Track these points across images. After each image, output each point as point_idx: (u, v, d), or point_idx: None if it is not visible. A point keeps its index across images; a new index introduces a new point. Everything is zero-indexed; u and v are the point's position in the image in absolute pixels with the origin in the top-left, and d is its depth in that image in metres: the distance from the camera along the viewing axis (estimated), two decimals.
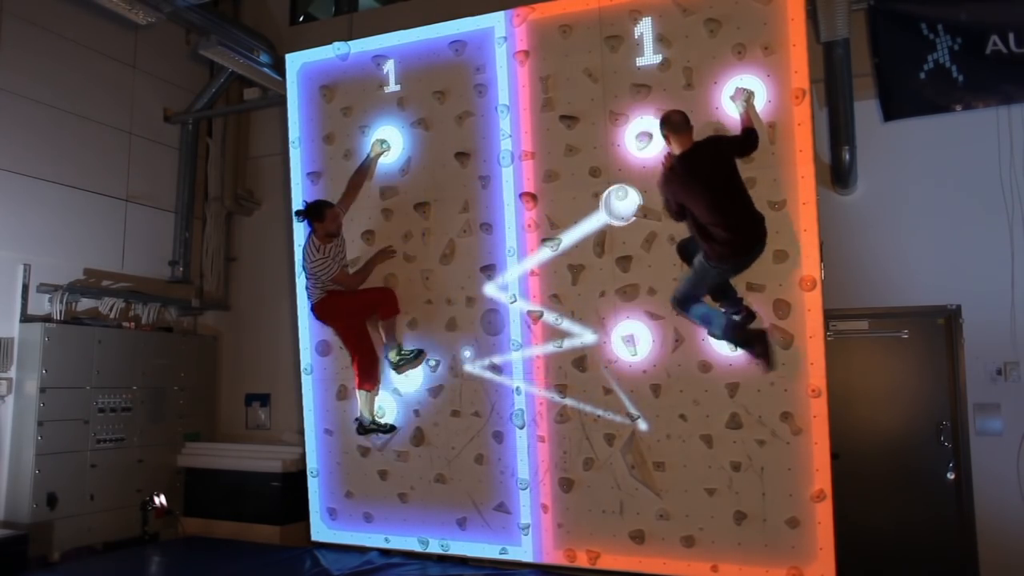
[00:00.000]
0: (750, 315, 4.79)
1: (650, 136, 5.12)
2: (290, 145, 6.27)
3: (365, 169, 5.78)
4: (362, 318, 5.60)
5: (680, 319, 5.04)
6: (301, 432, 6.40)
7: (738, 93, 4.84)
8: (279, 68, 6.88)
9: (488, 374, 5.56)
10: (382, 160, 5.87)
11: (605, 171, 5.27)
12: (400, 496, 5.81)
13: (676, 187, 4.62)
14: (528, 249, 5.46)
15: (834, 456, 4.79)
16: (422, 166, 5.80)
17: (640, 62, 5.20)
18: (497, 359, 5.54)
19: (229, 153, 8.08)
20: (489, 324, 5.57)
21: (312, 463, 6.13)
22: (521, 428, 5.44)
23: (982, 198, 5.66)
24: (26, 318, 6.24)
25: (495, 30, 5.60)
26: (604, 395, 5.22)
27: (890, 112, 5.81)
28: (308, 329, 6.15)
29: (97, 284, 6.93)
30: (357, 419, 5.71)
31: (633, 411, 5.12)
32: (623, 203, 5.20)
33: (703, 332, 4.95)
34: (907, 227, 5.84)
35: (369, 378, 5.58)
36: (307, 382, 6.15)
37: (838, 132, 5.73)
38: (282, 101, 6.58)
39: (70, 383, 6.33)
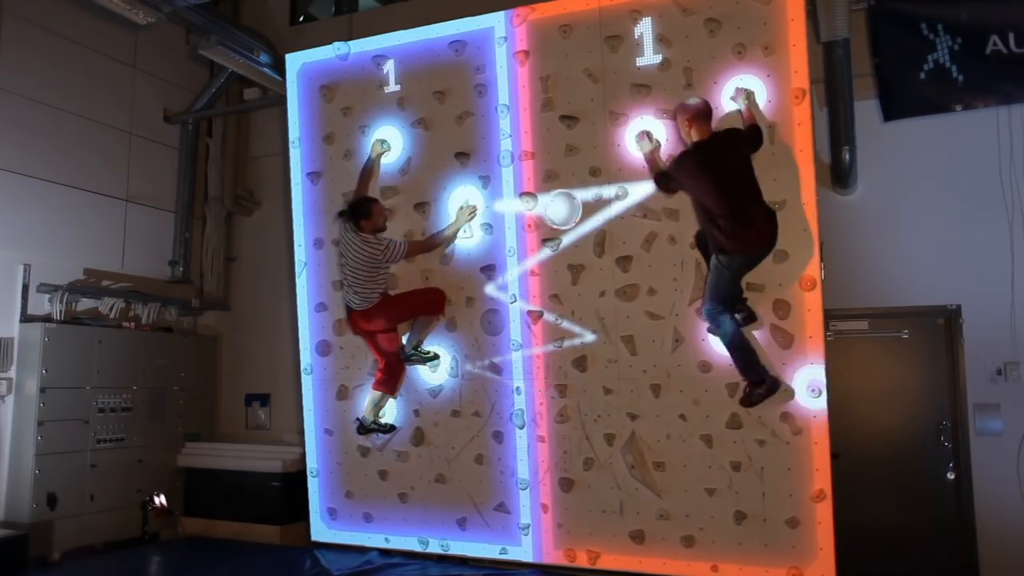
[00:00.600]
0: (750, 315, 4.79)
1: (649, 136, 5.11)
2: (290, 145, 6.27)
3: (368, 171, 5.79)
4: (406, 319, 5.61)
5: (680, 319, 5.04)
6: (301, 432, 6.40)
7: (738, 93, 4.85)
8: (279, 68, 6.88)
9: (488, 374, 5.56)
10: (382, 160, 5.87)
11: (605, 171, 5.27)
12: (400, 496, 5.81)
13: (688, 174, 4.63)
14: (528, 249, 5.46)
15: (834, 456, 4.79)
16: (422, 166, 5.80)
17: (640, 62, 5.20)
18: (497, 359, 5.54)
19: (229, 153, 8.08)
20: (489, 324, 5.57)
21: (312, 463, 6.13)
22: (521, 428, 5.44)
23: (982, 198, 5.65)
24: (26, 318, 6.24)
25: (495, 30, 5.60)
26: (604, 395, 5.22)
27: (890, 112, 5.81)
28: (308, 329, 6.15)
29: (97, 284, 6.93)
30: (358, 419, 5.72)
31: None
32: (565, 208, 5.29)
33: (703, 332, 4.96)
34: (907, 227, 5.84)
35: (393, 384, 5.65)
36: (307, 382, 6.15)
37: (838, 132, 5.73)
38: (282, 101, 6.58)
39: (70, 383, 6.33)
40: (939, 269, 5.73)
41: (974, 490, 5.54)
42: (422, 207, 5.77)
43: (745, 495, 4.86)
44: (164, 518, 6.80)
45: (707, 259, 4.87)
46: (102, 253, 7.04)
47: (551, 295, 5.38)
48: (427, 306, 5.60)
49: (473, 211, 5.57)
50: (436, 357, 5.64)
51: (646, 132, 5.03)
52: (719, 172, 4.52)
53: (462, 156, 5.67)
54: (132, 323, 7.06)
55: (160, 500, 6.72)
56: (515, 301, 5.48)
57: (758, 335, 4.83)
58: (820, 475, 4.70)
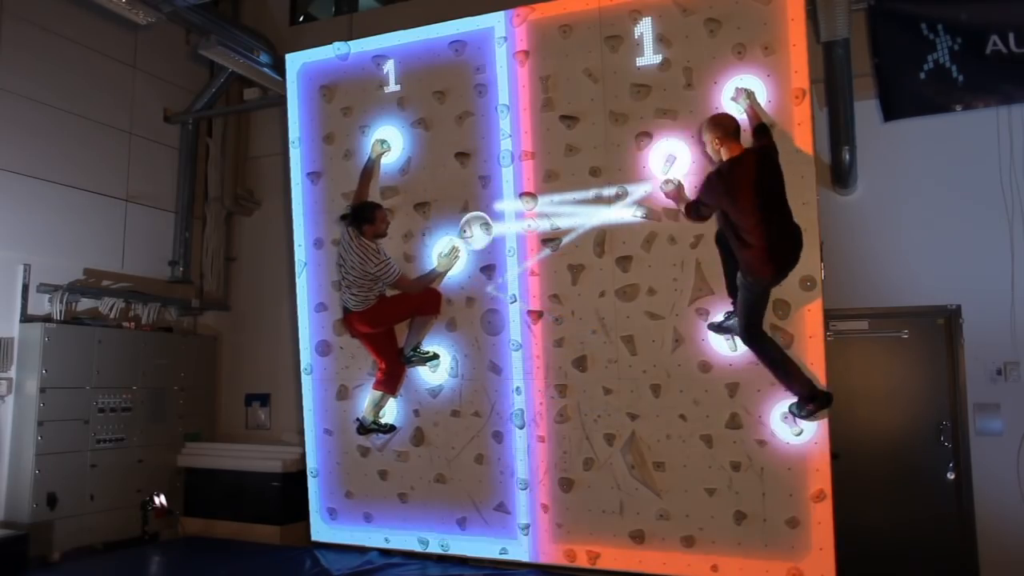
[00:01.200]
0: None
1: (649, 136, 5.11)
2: (290, 145, 6.27)
3: (369, 171, 5.79)
4: (403, 320, 5.63)
5: (680, 319, 5.04)
6: (301, 432, 6.40)
7: (738, 93, 4.85)
8: (279, 68, 6.88)
9: (488, 374, 5.56)
10: (382, 160, 5.87)
11: (605, 171, 5.27)
12: (400, 496, 5.81)
13: (721, 191, 4.50)
14: (528, 249, 5.46)
15: (834, 456, 4.79)
16: (422, 166, 5.80)
17: (640, 62, 5.20)
18: (497, 359, 5.54)
19: (229, 153, 8.08)
20: (489, 324, 5.57)
21: (312, 463, 6.13)
22: (521, 428, 5.44)
23: (982, 198, 5.65)
24: (26, 318, 6.24)
25: (495, 30, 5.60)
26: (604, 395, 5.22)
27: (890, 112, 5.81)
28: (308, 329, 6.16)
29: (97, 284, 6.93)
30: (358, 419, 5.72)
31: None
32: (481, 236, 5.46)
33: (703, 332, 4.96)
34: (907, 227, 5.84)
35: (393, 385, 5.67)
36: (307, 382, 6.15)
37: (838, 132, 5.73)
38: (282, 101, 6.58)
39: (70, 383, 6.33)
40: (939, 269, 5.73)
41: (974, 490, 5.54)
42: (422, 207, 5.77)
43: (745, 495, 4.86)
44: (164, 518, 6.80)
45: (724, 259, 4.85)
46: (102, 253, 7.04)
47: (551, 295, 5.38)
48: (424, 306, 5.61)
49: (456, 253, 5.60)
50: (436, 357, 5.64)
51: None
52: (754, 192, 4.41)
53: (462, 156, 5.67)
54: (132, 323, 7.06)
55: (160, 500, 6.72)
56: (515, 301, 5.48)
57: None
58: (820, 475, 4.70)
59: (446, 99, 5.75)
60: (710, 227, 4.91)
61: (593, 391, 5.26)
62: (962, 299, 5.68)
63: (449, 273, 5.65)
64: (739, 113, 4.84)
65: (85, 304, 6.78)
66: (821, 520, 4.68)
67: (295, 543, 6.45)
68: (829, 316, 5.21)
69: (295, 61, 6.29)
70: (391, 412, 5.82)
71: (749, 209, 4.41)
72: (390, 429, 5.75)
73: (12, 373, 6.14)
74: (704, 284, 4.98)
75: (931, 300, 5.76)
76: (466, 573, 5.48)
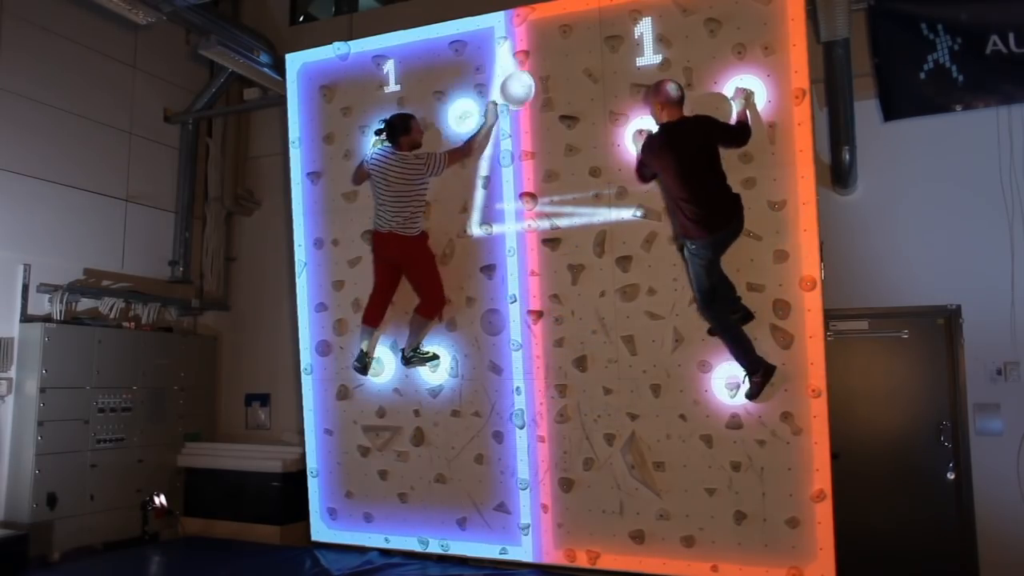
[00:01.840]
0: (747, 315, 4.79)
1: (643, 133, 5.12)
2: (290, 145, 6.27)
3: (476, 140, 5.56)
4: (414, 279, 5.58)
5: (680, 319, 5.04)
6: (301, 432, 6.40)
7: (738, 93, 4.85)
8: (279, 68, 6.88)
9: (488, 374, 5.56)
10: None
11: (605, 171, 5.27)
12: (400, 496, 5.81)
13: (653, 155, 4.75)
14: (528, 249, 5.46)
15: (834, 456, 4.79)
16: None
17: (640, 62, 5.20)
18: (497, 359, 5.54)
19: (229, 153, 8.08)
20: (489, 324, 5.57)
21: (312, 463, 6.13)
22: (521, 428, 5.44)
23: (982, 198, 5.65)
24: (26, 318, 6.24)
25: (495, 30, 5.60)
26: (604, 395, 5.22)
27: (890, 112, 5.81)
28: (308, 329, 6.16)
29: (97, 284, 6.93)
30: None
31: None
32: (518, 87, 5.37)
33: (703, 332, 4.97)
34: (907, 227, 5.84)
35: (434, 308, 5.57)
36: (307, 382, 6.15)
37: (838, 132, 5.73)
38: (282, 101, 6.58)
39: (70, 383, 6.33)
40: (939, 269, 5.73)
41: (974, 490, 5.54)
42: (454, 164, 5.71)
43: (745, 495, 4.86)
44: (164, 518, 6.80)
45: (682, 252, 4.92)
46: (102, 253, 7.04)
47: (551, 295, 5.39)
48: (427, 304, 5.56)
49: (496, 108, 5.54)
50: (436, 357, 5.64)
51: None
52: (683, 154, 4.61)
53: None
54: (132, 323, 7.06)
55: (160, 500, 6.72)
56: (515, 301, 5.48)
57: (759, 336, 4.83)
58: (820, 475, 4.71)
59: (446, 99, 5.75)
60: None
61: (593, 391, 5.26)
62: (962, 299, 5.68)
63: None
64: (731, 113, 4.85)
65: (85, 304, 6.78)
66: (821, 520, 4.69)
67: (295, 543, 6.45)
68: (829, 316, 5.22)
69: (295, 61, 6.29)
70: (391, 411, 5.81)
71: (680, 172, 4.60)
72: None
73: (12, 373, 6.14)
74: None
75: (931, 300, 5.76)
76: (466, 573, 5.48)
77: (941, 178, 5.79)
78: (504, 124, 5.55)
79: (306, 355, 6.16)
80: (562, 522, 5.32)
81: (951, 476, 5.66)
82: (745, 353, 4.72)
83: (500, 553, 5.50)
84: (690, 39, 5.08)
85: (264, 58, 7.23)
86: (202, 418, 7.63)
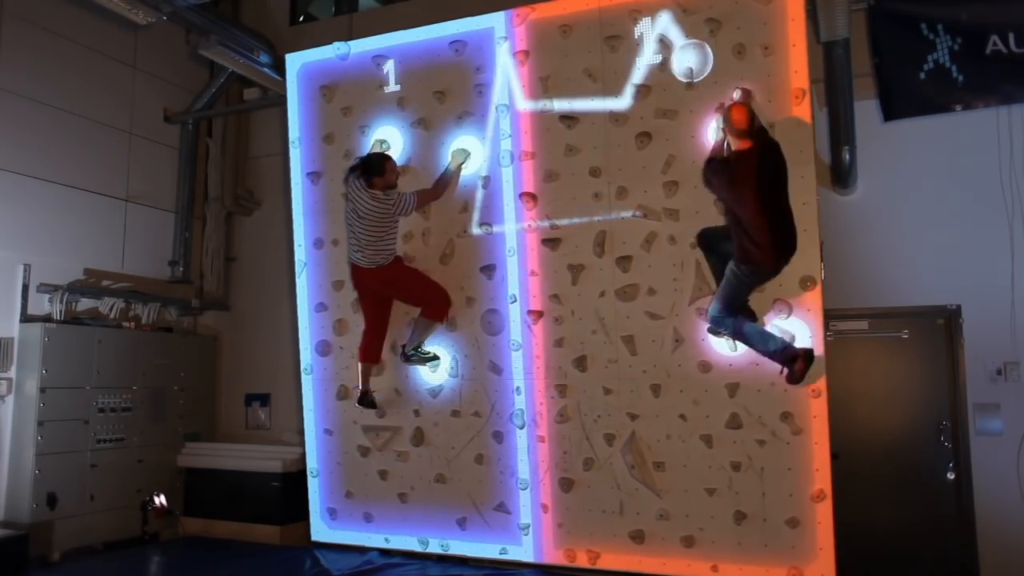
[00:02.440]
0: (750, 315, 4.79)
1: (649, 136, 5.12)
2: (290, 145, 6.27)
3: (447, 182, 5.61)
4: (405, 298, 5.60)
5: (680, 319, 5.04)
6: (301, 432, 6.40)
7: (742, 94, 4.82)
8: (279, 68, 6.88)
9: (488, 374, 5.56)
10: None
11: (605, 171, 5.27)
12: (400, 496, 5.81)
13: (725, 183, 4.53)
14: (528, 249, 5.46)
15: (834, 456, 4.79)
16: (422, 166, 5.79)
17: (640, 62, 5.20)
18: (497, 359, 5.54)
19: (229, 153, 8.08)
20: (489, 324, 5.57)
21: (312, 463, 6.13)
22: (521, 428, 5.44)
23: (982, 198, 5.65)
24: (26, 318, 6.24)
25: (495, 30, 5.60)
26: (604, 395, 5.22)
27: (890, 112, 5.81)
28: (308, 329, 6.15)
29: (97, 284, 6.93)
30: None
31: None
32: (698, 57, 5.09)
33: (703, 332, 4.96)
34: (907, 227, 5.84)
35: (440, 311, 5.58)
36: (307, 382, 6.15)
37: (838, 132, 5.73)
38: (282, 101, 6.58)
39: (70, 383, 6.33)
40: (939, 269, 5.74)
41: (974, 490, 5.54)
42: (423, 208, 5.75)
43: (745, 495, 4.85)
44: (164, 518, 6.80)
45: (710, 259, 4.86)
46: (102, 253, 7.04)
47: (551, 295, 5.38)
48: (431, 307, 5.55)
49: (466, 152, 5.57)
50: (436, 358, 5.64)
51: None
52: (762, 183, 4.42)
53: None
54: (132, 323, 7.06)
55: (160, 500, 6.72)
56: (515, 301, 5.48)
57: None
58: (820, 475, 4.70)
59: (446, 99, 5.75)
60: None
61: (593, 391, 5.25)
62: (962, 299, 5.68)
63: (463, 172, 5.61)
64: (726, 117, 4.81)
65: (85, 304, 6.78)
66: (821, 520, 4.68)
67: (295, 543, 6.45)
68: (829, 316, 5.21)
69: (295, 61, 6.29)
70: (392, 411, 5.81)
71: (752, 203, 4.41)
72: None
73: (12, 373, 6.15)
74: (704, 284, 4.98)
75: (931, 300, 5.76)
76: (466, 573, 5.48)
77: (941, 178, 5.79)
78: (504, 124, 5.55)
79: (306, 355, 6.16)
80: (562, 522, 5.32)
81: (951, 476, 5.66)
82: (771, 343, 4.63)
83: (500, 553, 5.50)
84: (690, 39, 5.07)
85: (264, 58, 7.23)
86: (202, 418, 7.63)
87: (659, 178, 5.11)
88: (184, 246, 7.78)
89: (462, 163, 5.61)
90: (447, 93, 5.75)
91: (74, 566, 6.00)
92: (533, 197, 5.45)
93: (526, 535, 5.42)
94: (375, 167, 5.39)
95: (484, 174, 5.61)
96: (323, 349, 6.09)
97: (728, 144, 4.60)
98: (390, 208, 5.33)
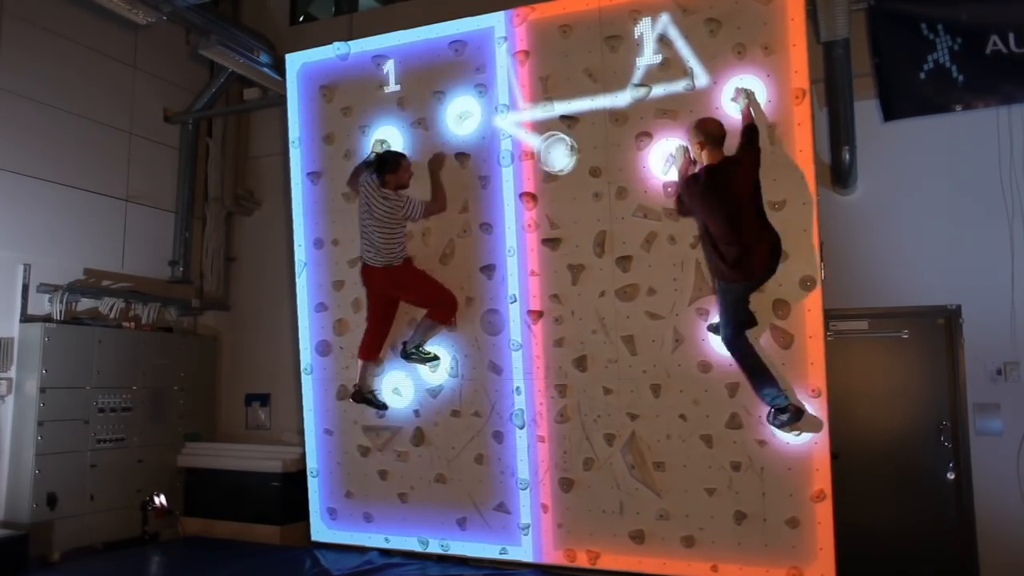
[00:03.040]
0: (750, 319, 4.78)
1: (649, 136, 5.12)
2: (290, 145, 6.27)
3: (443, 195, 5.62)
4: (413, 300, 5.61)
5: (680, 319, 5.04)
6: (301, 432, 6.40)
7: (737, 93, 4.85)
8: (279, 68, 6.88)
9: (488, 374, 5.56)
10: None
11: (605, 171, 5.27)
12: (400, 496, 5.81)
13: (697, 198, 4.61)
14: (528, 249, 5.46)
15: (834, 456, 4.79)
16: (422, 166, 5.79)
17: (640, 62, 5.20)
18: (497, 359, 5.54)
19: (229, 153, 8.08)
20: (489, 324, 5.57)
21: (312, 463, 6.13)
22: (521, 428, 5.44)
23: (982, 198, 5.65)
24: (26, 318, 6.24)
25: (495, 30, 5.60)
26: (604, 395, 5.22)
27: (890, 112, 5.81)
28: (308, 329, 6.16)
29: (97, 284, 6.93)
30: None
31: None
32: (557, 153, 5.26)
33: (703, 332, 4.97)
34: (907, 227, 5.84)
35: (374, 352, 5.64)
36: (307, 382, 6.15)
37: (838, 132, 5.73)
38: (282, 101, 6.58)
39: (70, 383, 6.33)
40: (939, 269, 5.73)
41: (974, 490, 5.54)
42: (428, 218, 5.74)
43: (745, 495, 4.86)
44: (164, 518, 6.80)
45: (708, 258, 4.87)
46: (102, 253, 7.04)
47: (551, 295, 5.38)
48: (438, 309, 5.55)
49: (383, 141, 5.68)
50: (436, 358, 5.63)
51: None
52: (725, 198, 4.48)
53: (462, 156, 5.67)
54: (132, 323, 7.06)
55: (160, 500, 6.72)
56: (515, 301, 5.48)
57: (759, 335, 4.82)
58: (820, 475, 4.70)
59: (446, 99, 5.75)
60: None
61: (593, 391, 5.26)
62: (962, 299, 5.68)
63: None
64: (737, 112, 4.84)
65: (85, 304, 6.78)
66: (821, 520, 4.68)
67: (295, 543, 6.45)
68: (829, 316, 5.21)
69: (295, 61, 6.29)
70: (392, 411, 5.82)
71: (721, 217, 4.48)
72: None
73: (12, 373, 6.14)
74: (704, 284, 4.99)
75: (931, 300, 5.76)
76: (466, 573, 5.48)
77: (941, 178, 5.79)
78: (504, 125, 5.55)
79: (306, 355, 6.16)
80: (562, 522, 5.32)
81: (951, 476, 5.66)
82: (764, 385, 4.64)
83: (500, 553, 5.50)
84: (690, 39, 5.07)
85: (264, 58, 7.23)
86: (202, 418, 7.63)
87: (659, 178, 5.11)
88: (184, 246, 7.78)
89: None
90: (447, 93, 5.74)
91: (74, 566, 6.00)
92: (533, 197, 5.45)
93: (526, 535, 5.42)
94: (390, 164, 5.42)
95: (484, 174, 5.59)
96: (323, 349, 6.09)
97: (696, 161, 4.69)
98: (400, 208, 5.34)
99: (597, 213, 5.27)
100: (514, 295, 5.48)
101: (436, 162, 5.66)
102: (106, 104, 7.14)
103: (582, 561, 5.26)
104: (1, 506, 6.03)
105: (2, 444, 6.09)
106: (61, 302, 6.44)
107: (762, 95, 4.86)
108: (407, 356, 5.61)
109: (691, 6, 5.07)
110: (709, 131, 4.65)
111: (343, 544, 6.00)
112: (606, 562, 5.20)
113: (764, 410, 4.79)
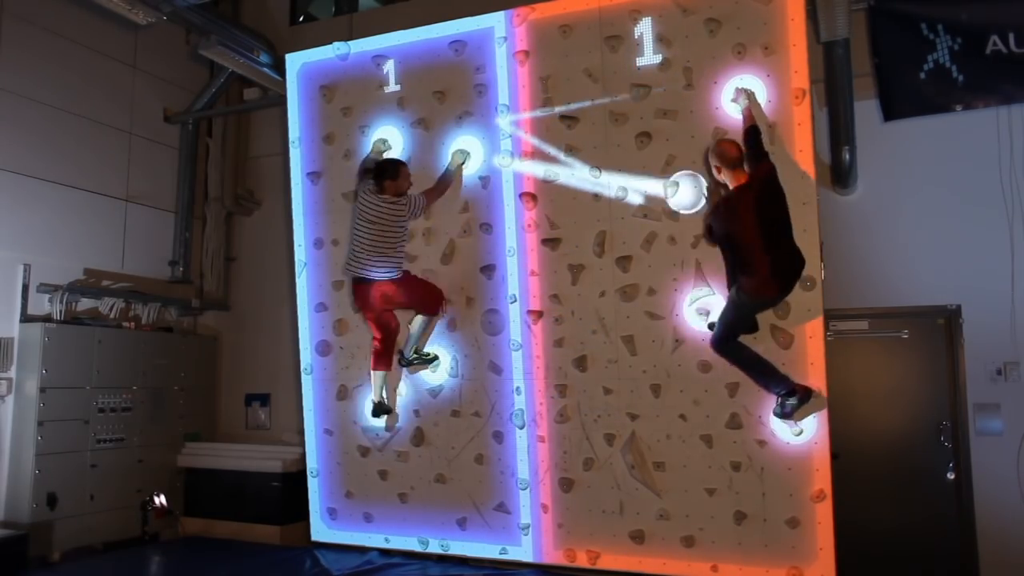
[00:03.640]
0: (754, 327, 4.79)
1: (649, 136, 5.12)
2: (290, 145, 6.27)
3: (448, 182, 5.62)
4: (406, 306, 5.59)
5: (680, 319, 5.04)
6: (301, 432, 6.40)
7: (738, 93, 4.85)
8: (279, 68, 6.89)
9: (488, 374, 5.56)
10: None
11: (605, 171, 5.26)
12: (400, 496, 5.81)
13: (728, 219, 4.55)
14: (528, 249, 5.46)
15: (834, 456, 4.79)
16: (422, 166, 5.79)
17: (640, 62, 5.20)
18: (497, 359, 5.54)
19: (229, 153, 8.07)
20: (489, 324, 5.57)
21: (312, 463, 6.13)
22: (521, 428, 5.44)
23: (982, 198, 5.65)
24: (26, 318, 6.24)
25: (495, 30, 5.60)
26: (604, 395, 5.22)
27: (890, 112, 5.81)
28: (308, 329, 6.16)
29: (97, 284, 6.93)
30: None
31: None
32: (678, 195, 5.07)
33: (703, 332, 4.97)
34: (907, 227, 5.84)
35: (384, 362, 5.61)
36: (307, 382, 6.15)
37: (838, 132, 5.73)
38: (282, 101, 6.59)
39: (70, 383, 6.33)
40: (939, 269, 5.73)
41: (974, 490, 5.54)
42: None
43: (745, 495, 4.86)
44: (164, 518, 6.80)
45: (726, 257, 4.84)
46: (102, 253, 7.04)
47: (551, 295, 5.38)
48: (427, 305, 5.56)
49: (466, 153, 5.59)
50: (436, 358, 5.64)
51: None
52: (761, 215, 4.43)
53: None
54: (132, 323, 7.06)
55: (160, 500, 6.72)
56: (515, 301, 5.48)
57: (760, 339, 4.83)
58: (820, 475, 4.71)
59: (446, 99, 5.75)
60: None
61: (593, 391, 5.26)
62: (962, 299, 5.68)
63: (464, 171, 5.63)
64: (736, 113, 4.85)
65: (85, 304, 6.77)
66: (821, 520, 4.69)
67: (295, 543, 6.45)
68: (829, 316, 5.21)
69: (295, 61, 6.29)
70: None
71: (753, 236, 4.43)
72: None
73: (12, 373, 6.14)
74: (704, 284, 4.98)
75: (931, 300, 5.76)
76: (466, 573, 5.48)
77: (941, 178, 5.79)
78: (504, 124, 5.55)
79: (306, 355, 6.16)
80: (562, 522, 5.32)
81: (951, 476, 5.66)
82: (771, 376, 4.64)
83: (500, 553, 5.50)
84: (690, 39, 5.07)
85: (264, 58, 7.23)
86: (202, 418, 7.63)
87: (659, 178, 5.11)
88: (184, 246, 7.78)
89: (462, 163, 5.61)
90: (447, 93, 5.75)
91: (74, 566, 5.99)
92: (533, 197, 5.45)
93: (526, 535, 5.42)
94: (389, 171, 5.40)
95: (484, 174, 5.59)
96: (323, 349, 6.09)
97: (724, 184, 4.65)
98: (401, 212, 5.32)
99: (597, 213, 5.28)
100: (514, 295, 5.48)
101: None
102: (106, 104, 7.14)
103: (582, 561, 5.26)
104: (1, 506, 6.03)
105: (2, 444, 6.09)
106: (61, 302, 6.44)
107: (762, 95, 4.86)
108: (408, 364, 5.62)
109: (691, 6, 5.07)
110: (724, 154, 4.60)
111: (343, 544, 6.00)
112: (606, 562, 5.20)
113: (764, 410, 4.80)
